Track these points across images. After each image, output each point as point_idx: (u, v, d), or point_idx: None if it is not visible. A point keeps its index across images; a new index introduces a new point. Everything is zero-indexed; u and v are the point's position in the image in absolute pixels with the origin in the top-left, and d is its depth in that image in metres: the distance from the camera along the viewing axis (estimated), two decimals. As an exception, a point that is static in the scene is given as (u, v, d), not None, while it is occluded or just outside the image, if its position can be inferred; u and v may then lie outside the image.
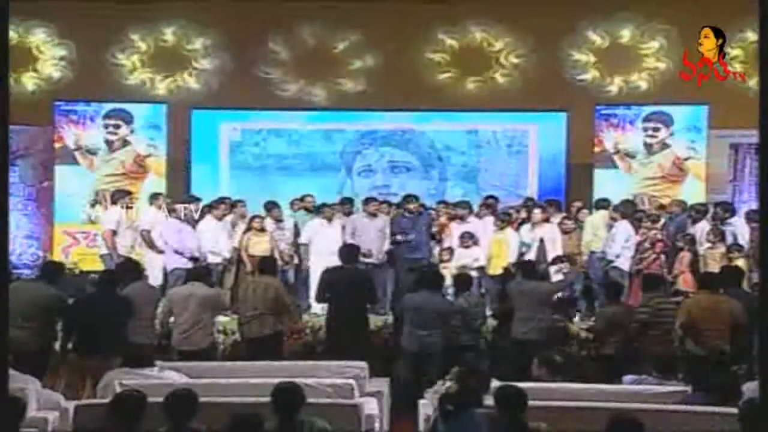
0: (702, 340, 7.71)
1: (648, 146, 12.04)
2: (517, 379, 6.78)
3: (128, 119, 12.08)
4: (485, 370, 6.25)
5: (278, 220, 10.52)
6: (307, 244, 10.44)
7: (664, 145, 12.00)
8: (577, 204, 11.09)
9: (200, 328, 8.15)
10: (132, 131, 12.08)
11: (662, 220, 10.27)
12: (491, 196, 11.41)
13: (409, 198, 10.82)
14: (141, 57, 13.08)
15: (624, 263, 9.93)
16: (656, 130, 11.97)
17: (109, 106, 12.15)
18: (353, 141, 12.78)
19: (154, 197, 10.60)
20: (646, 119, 12.04)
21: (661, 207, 11.02)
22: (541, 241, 10.02)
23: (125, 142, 12.08)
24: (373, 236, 10.34)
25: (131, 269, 8.51)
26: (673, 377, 6.86)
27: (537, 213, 10.25)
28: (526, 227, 10.28)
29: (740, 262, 9.32)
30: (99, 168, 12.05)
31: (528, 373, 7.17)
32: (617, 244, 9.95)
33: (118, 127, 12.04)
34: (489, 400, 5.52)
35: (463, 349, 8.30)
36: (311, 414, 5.38)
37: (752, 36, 11.90)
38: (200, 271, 8.76)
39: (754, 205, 10.46)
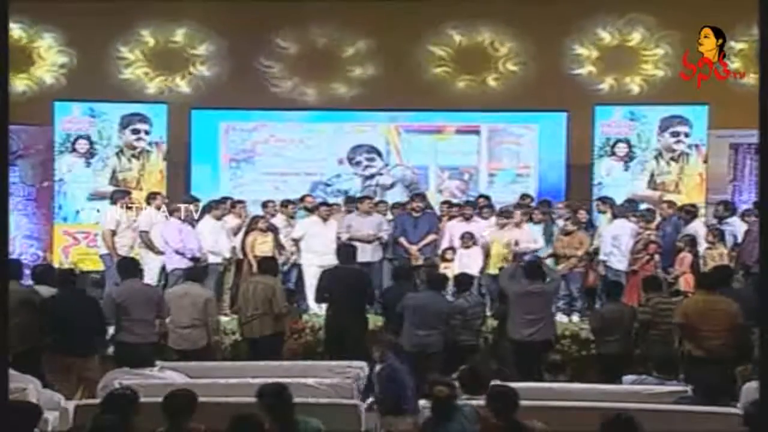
0: (698, 341, 7.69)
1: (670, 150, 11.99)
2: (522, 379, 6.82)
3: (150, 123, 12.11)
4: (490, 370, 6.27)
5: (290, 217, 10.58)
6: (299, 239, 10.45)
7: (687, 149, 11.98)
8: (576, 204, 11.07)
9: (197, 328, 8.17)
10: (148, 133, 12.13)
11: (657, 221, 10.28)
12: (482, 196, 11.45)
13: (417, 197, 10.89)
14: (138, 56, 13.07)
15: (616, 262, 9.97)
16: (682, 135, 11.92)
17: (126, 109, 12.14)
18: (354, 140, 12.75)
19: (151, 197, 10.59)
20: (667, 123, 11.98)
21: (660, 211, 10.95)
22: (516, 244, 10.03)
23: (150, 146, 12.11)
24: (368, 234, 10.38)
25: (126, 268, 8.47)
26: (674, 377, 6.86)
27: (517, 214, 10.27)
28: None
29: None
30: (115, 168, 12.07)
31: (532, 373, 7.21)
32: (605, 243, 10.07)
33: (147, 133, 12.07)
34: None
35: (465, 350, 8.32)
36: (305, 414, 5.39)
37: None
38: (196, 271, 8.77)
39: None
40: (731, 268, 8.88)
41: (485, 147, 12.68)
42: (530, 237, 10.16)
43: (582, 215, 10.57)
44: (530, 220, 10.49)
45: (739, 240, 9.74)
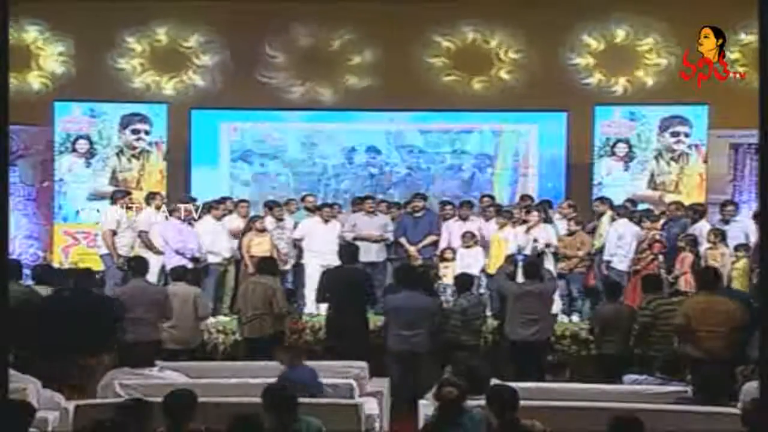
0: (697, 341, 7.66)
1: (670, 150, 11.98)
2: (522, 380, 6.81)
3: (150, 123, 12.11)
4: (482, 369, 6.24)
5: (279, 219, 10.53)
6: (300, 239, 10.44)
7: (687, 149, 11.97)
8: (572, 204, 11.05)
9: (188, 327, 8.18)
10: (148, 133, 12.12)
11: (662, 220, 10.26)
12: (486, 195, 11.44)
13: (417, 196, 10.92)
14: (138, 56, 13.06)
15: (619, 263, 9.96)
16: (682, 135, 11.92)
17: (126, 109, 12.14)
18: (354, 140, 12.75)
19: (151, 197, 10.59)
20: (667, 123, 11.97)
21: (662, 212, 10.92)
22: (535, 241, 9.99)
23: (150, 146, 12.11)
24: (373, 235, 10.39)
25: (135, 267, 8.52)
26: (679, 378, 6.83)
27: (534, 215, 10.23)
28: (521, 228, 10.22)
29: (743, 262, 9.35)
30: (115, 168, 12.06)
31: (531, 373, 7.18)
32: (610, 244, 10.04)
33: (147, 133, 12.07)
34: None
35: (465, 350, 8.30)
36: (306, 413, 5.39)
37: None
38: (180, 270, 8.76)
39: (755, 205, 10.44)
40: (713, 270, 8.85)
41: (486, 147, 12.68)
42: (549, 235, 10.08)
43: (580, 216, 10.57)
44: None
45: (752, 238, 9.62)
